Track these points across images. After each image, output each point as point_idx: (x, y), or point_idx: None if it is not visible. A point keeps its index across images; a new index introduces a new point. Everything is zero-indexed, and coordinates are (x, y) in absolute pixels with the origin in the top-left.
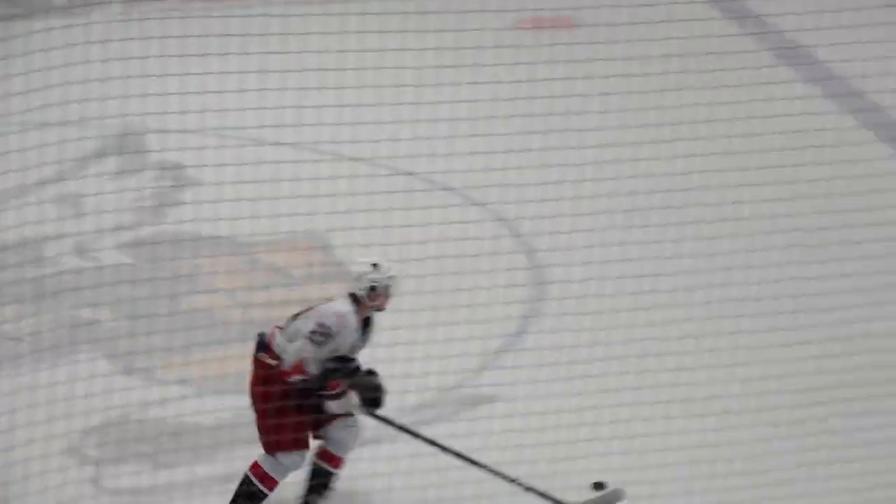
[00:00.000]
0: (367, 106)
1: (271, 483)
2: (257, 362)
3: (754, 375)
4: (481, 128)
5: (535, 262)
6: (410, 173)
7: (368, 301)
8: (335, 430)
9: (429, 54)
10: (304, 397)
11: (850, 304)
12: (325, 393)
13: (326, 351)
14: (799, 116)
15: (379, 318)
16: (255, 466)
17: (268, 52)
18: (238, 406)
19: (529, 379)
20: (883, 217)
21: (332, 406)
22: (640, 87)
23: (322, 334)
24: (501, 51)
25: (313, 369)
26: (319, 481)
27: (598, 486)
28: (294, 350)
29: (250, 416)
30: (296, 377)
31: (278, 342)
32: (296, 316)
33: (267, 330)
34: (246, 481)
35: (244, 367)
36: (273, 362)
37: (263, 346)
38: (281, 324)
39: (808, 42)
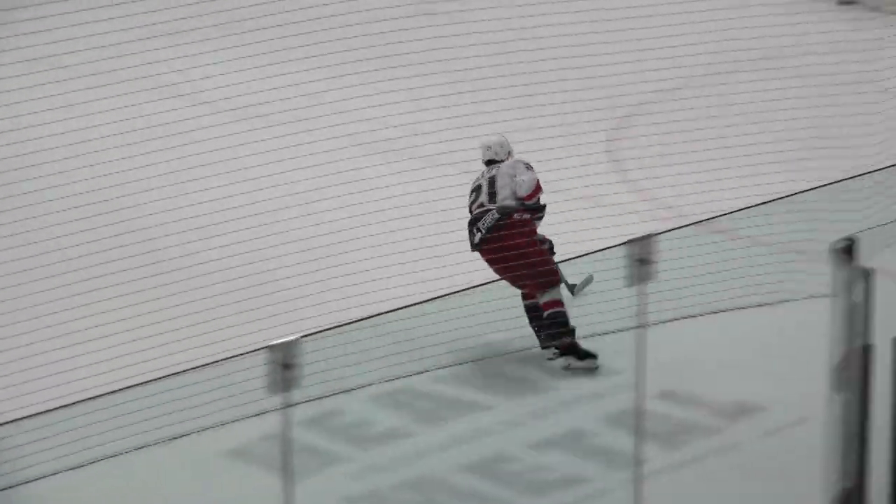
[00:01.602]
0: None
1: (563, 305)
2: (508, 227)
3: None
4: None
5: None
6: None
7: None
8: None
9: None
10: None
11: None
12: (538, 210)
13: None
14: None
15: None
16: (547, 305)
17: None
18: None
19: None
20: None
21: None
22: None
23: (528, 164)
24: None
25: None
26: (554, 321)
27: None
28: (526, 182)
29: None
30: (536, 198)
31: (504, 201)
32: (492, 192)
33: (485, 221)
34: (550, 316)
35: None
36: (521, 217)
37: (492, 224)
38: (478, 212)
39: None
